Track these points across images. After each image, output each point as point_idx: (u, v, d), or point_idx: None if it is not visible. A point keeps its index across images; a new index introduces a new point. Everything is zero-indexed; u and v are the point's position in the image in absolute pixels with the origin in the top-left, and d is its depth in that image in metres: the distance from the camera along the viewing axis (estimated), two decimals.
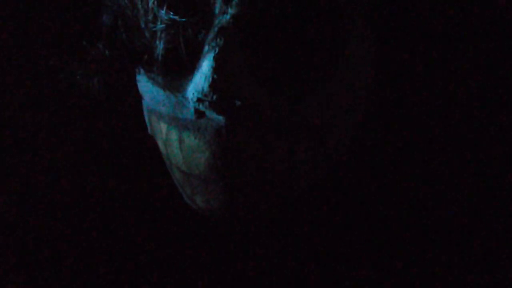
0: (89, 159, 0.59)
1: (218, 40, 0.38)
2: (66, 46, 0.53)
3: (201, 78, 0.39)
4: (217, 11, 0.39)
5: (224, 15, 0.39)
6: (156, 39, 0.40)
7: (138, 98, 0.52)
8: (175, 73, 0.42)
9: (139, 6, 0.41)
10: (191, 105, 0.41)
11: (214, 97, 0.38)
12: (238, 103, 0.39)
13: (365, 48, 0.45)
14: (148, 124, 0.49)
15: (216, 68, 0.38)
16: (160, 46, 0.40)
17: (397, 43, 0.54)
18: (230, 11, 0.39)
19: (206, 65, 0.38)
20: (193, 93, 0.40)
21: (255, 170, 0.43)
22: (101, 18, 0.46)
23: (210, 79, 0.38)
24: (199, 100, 0.39)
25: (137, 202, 0.60)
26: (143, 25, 0.41)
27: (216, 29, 0.39)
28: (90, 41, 0.44)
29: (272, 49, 0.40)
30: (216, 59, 0.38)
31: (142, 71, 0.45)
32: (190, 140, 0.43)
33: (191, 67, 0.41)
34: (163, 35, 0.40)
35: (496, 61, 0.54)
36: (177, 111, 0.43)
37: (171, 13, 0.39)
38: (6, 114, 0.58)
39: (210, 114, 0.40)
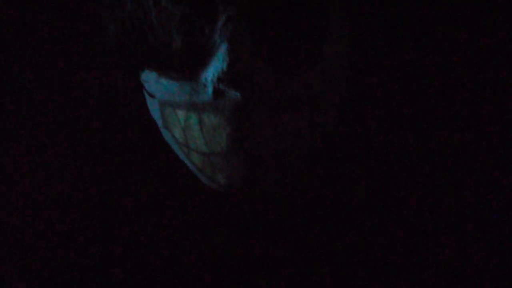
0: (92, 159, 0.62)
1: (228, 26, 0.45)
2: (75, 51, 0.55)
3: (219, 60, 0.45)
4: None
5: (228, 4, 0.45)
6: (172, 34, 0.46)
7: (142, 101, 0.56)
8: (189, 64, 0.47)
9: (151, 7, 0.46)
10: (210, 87, 0.46)
11: (233, 74, 0.44)
12: (252, 79, 0.45)
13: (344, 39, 0.53)
14: (160, 120, 0.54)
15: (231, 50, 0.44)
16: (177, 40, 0.46)
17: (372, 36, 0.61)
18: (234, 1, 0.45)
19: (222, 49, 0.45)
20: (213, 74, 0.45)
21: (269, 141, 0.49)
22: (105, 27, 0.50)
23: (228, 59, 0.44)
24: (219, 79, 0.45)
25: (143, 198, 0.62)
26: (156, 24, 0.46)
27: (224, 17, 0.45)
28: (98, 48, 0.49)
29: (273, 32, 0.47)
30: (229, 43, 0.45)
31: (152, 69, 0.50)
32: (211, 119, 0.48)
33: (206, 55, 0.46)
34: (178, 29, 0.45)
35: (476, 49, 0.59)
36: (194, 97, 0.48)
37: (185, 7, 0.45)
38: (6, 114, 0.59)
39: (229, 91, 0.46)
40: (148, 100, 0.55)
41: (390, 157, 0.61)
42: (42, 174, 0.60)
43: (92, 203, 0.62)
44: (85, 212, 0.62)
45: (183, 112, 0.50)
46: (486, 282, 0.59)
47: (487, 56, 0.59)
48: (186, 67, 0.48)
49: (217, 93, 0.47)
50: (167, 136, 0.55)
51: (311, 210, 0.61)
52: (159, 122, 0.54)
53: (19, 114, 0.60)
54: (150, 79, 0.51)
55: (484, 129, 0.60)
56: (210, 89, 0.47)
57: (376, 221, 0.61)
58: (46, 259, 0.61)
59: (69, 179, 0.61)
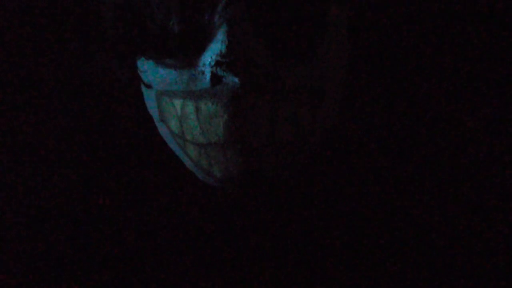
0: (89, 157, 0.60)
1: (228, 9, 0.44)
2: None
3: (217, 43, 0.44)
4: None
5: None
6: (171, 18, 0.45)
7: (138, 94, 0.55)
8: (188, 49, 0.46)
9: None
10: (208, 72, 0.45)
11: (232, 57, 0.43)
12: (251, 63, 0.44)
13: (342, 30, 0.52)
14: (157, 112, 0.52)
15: (230, 33, 0.43)
16: (176, 24, 0.45)
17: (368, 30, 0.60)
18: None
19: (221, 32, 0.43)
20: (211, 57, 0.44)
21: (267, 132, 0.47)
22: (102, 12, 0.49)
23: (227, 41, 0.43)
24: (217, 63, 0.44)
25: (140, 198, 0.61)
26: (155, 7, 0.46)
27: (224, 1, 0.44)
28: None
29: (273, 16, 0.46)
30: (229, 25, 0.43)
31: (150, 57, 0.49)
32: (207, 106, 0.46)
33: (205, 40, 0.45)
34: (178, 13, 0.44)
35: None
36: (191, 84, 0.47)
37: None
38: (6, 114, 0.58)
39: (227, 77, 0.44)
40: (145, 92, 0.54)
41: (394, 156, 0.59)
42: (29, 175, 0.59)
43: (83, 202, 0.60)
44: (76, 211, 0.60)
45: (180, 101, 0.48)
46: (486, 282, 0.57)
47: (491, 55, 0.58)
48: (185, 53, 0.46)
49: (215, 79, 0.45)
50: (163, 131, 0.54)
51: (310, 210, 0.59)
52: (155, 115, 0.53)
53: (6, 108, 0.59)
54: (147, 69, 0.50)
55: (487, 130, 0.59)
56: (208, 75, 0.45)
57: (379, 222, 0.59)
58: (38, 258, 0.59)
59: (59, 177, 0.60)
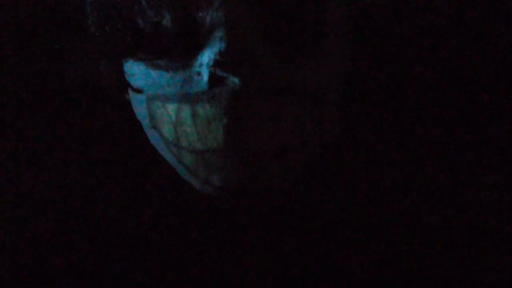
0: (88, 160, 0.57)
1: (227, 5, 0.40)
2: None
3: (216, 40, 0.40)
4: None
5: None
6: (163, 14, 0.41)
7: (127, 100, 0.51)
8: (183, 48, 0.43)
9: None
10: (206, 73, 0.42)
11: (233, 56, 0.40)
12: (253, 63, 0.41)
13: (343, 29, 0.49)
14: (147, 118, 0.48)
15: (230, 30, 0.40)
16: (169, 20, 0.41)
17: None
18: None
19: (220, 30, 0.40)
20: (209, 57, 0.41)
21: (270, 136, 0.44)
22: (88, 13, 0.45)
23: (227, 39, 0.40)
24: (216, 63, 0.40)
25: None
26: (145, 5, 0.42)
27: None
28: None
29: (274, 12, 0.43)
30: (228, 23, 0.40)
31: (139, 59, 0.45)
32: (205, 110, 0.43)
33: (201, 37, 0.42)
34: (171, 7, 0.41)
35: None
36: (186, 87, 0.44)
37: None
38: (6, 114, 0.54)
39: (227, 77, 0.41)
40: (133, 97, 0.50)
41: (397, 161, 0.57)
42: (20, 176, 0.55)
43: (74, 213, 0.56)
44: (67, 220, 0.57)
45: (174, 105, 0.45)
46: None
47: (495, 56, 0.56)
48: (180, 53, 0.43)
49: (214, 80, 0.42)
50: (154, 138, 0.50)
51: (310, 217, 0.57)
52: (145, 122, 0.49)
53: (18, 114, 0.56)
54: (137, 72, 0.46)
55: (492, 131, 0.57)
56: (205, 76, 0.42)
57: (381, 228, 0.57)
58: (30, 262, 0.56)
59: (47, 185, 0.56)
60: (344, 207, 0.58)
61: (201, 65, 0.42)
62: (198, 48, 0.42)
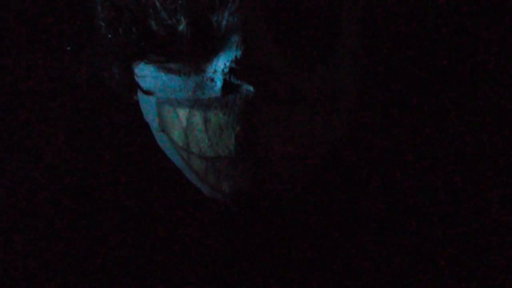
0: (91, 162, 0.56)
1: (241, 13, 0.40)
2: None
3: (231, 47, 0.39)
4: None
5: None
6: (178, 17, 0.40)
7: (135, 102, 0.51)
8: (196, 53, 0.42)
9: None
10: (220, 80, 0.41)
11: (248, 64, 0.39)
12: (268, 71, 0.40)
13: (355, 37, 0.48)
14: (156, 121, 0.48)
15: (247, 38, 0.39)
16: (184, 24, 0.40)
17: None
18: None
19: (236, 35, 0.39)
20: (224, 64, 0.40)
21: (282, 143, 0.43)
22: (97, 16, 0.44)
23: (243, 47, 0.39)
24: (231, 70, 0.40)
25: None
26: (159, 5, 0.41)
27: (237, 3, 0.40)
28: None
29: (288, 20, 0.42)
30: (244, 30, 0.39)
31: (151, 62, 0.44)
32: (218, 117, 0.42)
33: (215, 42, 0.41)
34: (185, 11, 0.40)
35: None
36: (198, 93, 0.43)
37: None
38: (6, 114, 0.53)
39: (241, 85, 0.40)
40: (142, 99, 0.49)
41: (405, 166, 0.57)
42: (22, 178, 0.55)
43: (80, 213, 0.56)
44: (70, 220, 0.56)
45: (186, 110, 0.44)
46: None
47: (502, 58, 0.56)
48: (193, 57, 0.42)
49: (227, 87, 0.41)
50: (162, 141, 0.49)
51: (321, 224, 0.56)
52: (154, 124, 0.48)
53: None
54: (147, 74, 0.45)
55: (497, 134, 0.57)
56: (219, 83, 0.41)
57: (387, 232, 0.57)
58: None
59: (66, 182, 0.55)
60: (353, 211, 0.57)
61: (215, 71, 0.41)
62: (212, 53, 0.41)
